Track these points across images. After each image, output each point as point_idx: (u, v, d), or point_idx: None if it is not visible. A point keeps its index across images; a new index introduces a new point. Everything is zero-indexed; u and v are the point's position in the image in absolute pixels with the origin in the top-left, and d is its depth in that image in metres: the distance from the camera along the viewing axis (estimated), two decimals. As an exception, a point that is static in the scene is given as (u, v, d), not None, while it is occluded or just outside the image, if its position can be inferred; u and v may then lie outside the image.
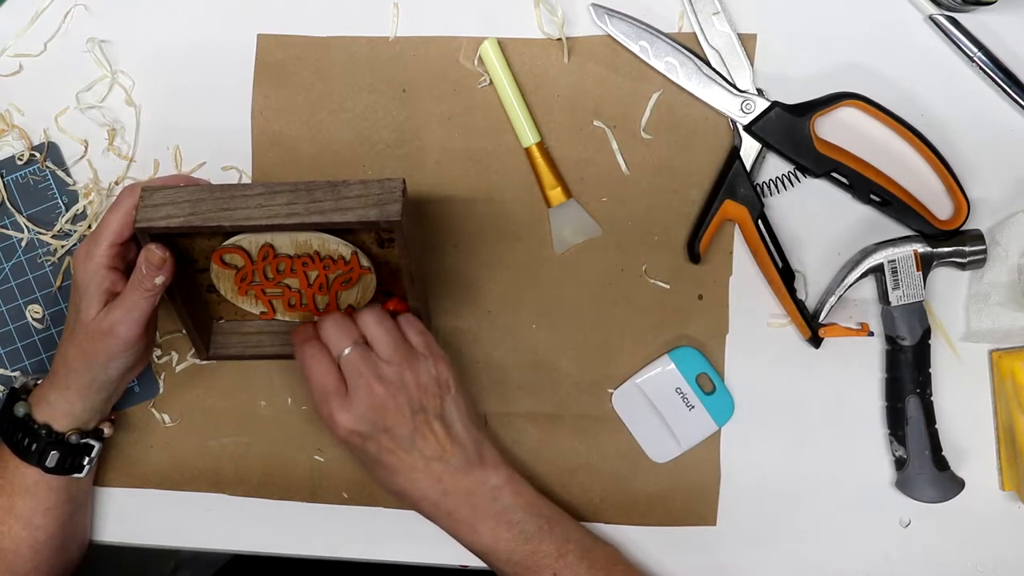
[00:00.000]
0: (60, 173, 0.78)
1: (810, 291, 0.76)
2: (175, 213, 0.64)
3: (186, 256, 0.70)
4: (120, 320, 0.67)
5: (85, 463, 0.73)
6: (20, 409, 0.72)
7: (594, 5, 0.74)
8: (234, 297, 0.72)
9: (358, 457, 0.69)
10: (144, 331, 0.68)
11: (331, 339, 0.67)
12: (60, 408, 0.71)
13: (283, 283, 0.71)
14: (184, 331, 0.74)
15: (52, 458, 0.71)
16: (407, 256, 0.67)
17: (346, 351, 0.66)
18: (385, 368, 0.66)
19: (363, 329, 0.68)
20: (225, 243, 0.68)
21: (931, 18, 0.73)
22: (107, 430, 0.74)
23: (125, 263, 0.69)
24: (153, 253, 0.66)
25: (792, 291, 0.74)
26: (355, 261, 0.69)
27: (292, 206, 0.64)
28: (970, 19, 0.73)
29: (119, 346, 0.68)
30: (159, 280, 0.66)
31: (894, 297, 0.73)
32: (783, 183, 0.75)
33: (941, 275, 0.75)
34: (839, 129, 0.74)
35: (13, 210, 0.78)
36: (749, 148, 0.74)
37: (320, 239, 0.68)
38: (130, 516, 0.80)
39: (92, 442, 0.73)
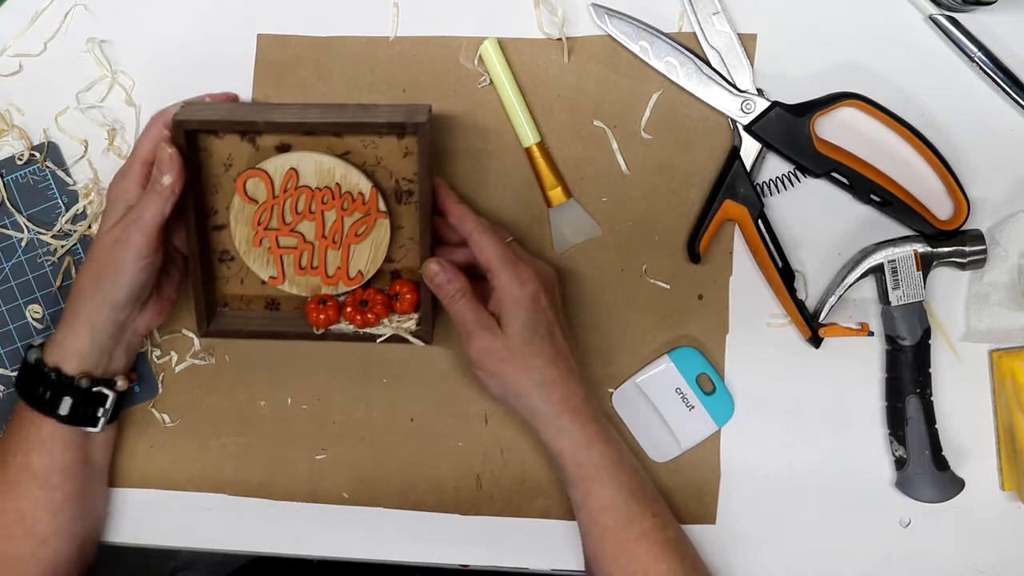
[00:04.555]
0: (60, 173, 0.78)
1: (810, 291, 0.76)
2: (212, 115, 0.69)
3: (208, 208, 0.72)
4: (129, 224, 0.68)
5: (99, 415, 0.73)
6: (32, 355, 0.72)
7: (594, 5, 0.74)
8: (247, 251, 0.72)
9: (533, 320, 0.70)
10: (155, 243, 0.68)
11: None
12: (69, 346, 0.71)
13: (298, 230, 0.71)
14: (192, 311, 0.74)
15: (65, 405, 0.71)
16: (427, 179, 0.68)
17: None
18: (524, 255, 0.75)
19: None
20: (253, 166, 0.70)
21: (931, 18, 0.73)
22: (120, 383, 0.74)
23: None
24: (162, 151, 0.68)
25: (792, 291, 0.74)
26: (373, 200, 0.70)
27: (324, 114, 0.69)
28: (970, 19, 0.73)
29: (128, 254, 0.68)
30: (167, 179, 0.67)
31: (894, 297, 0.73)
32: (783, 183, 0.75)
33: (941, 275, 0.75)
34: (839, 129, 0.74)
35: (13, 210, 0.78)
36: (749, 148, 0.74)
37: (343, 168, 0.69)
38: (130, 516, 0.80)
39: (105, 391, 0.73)
